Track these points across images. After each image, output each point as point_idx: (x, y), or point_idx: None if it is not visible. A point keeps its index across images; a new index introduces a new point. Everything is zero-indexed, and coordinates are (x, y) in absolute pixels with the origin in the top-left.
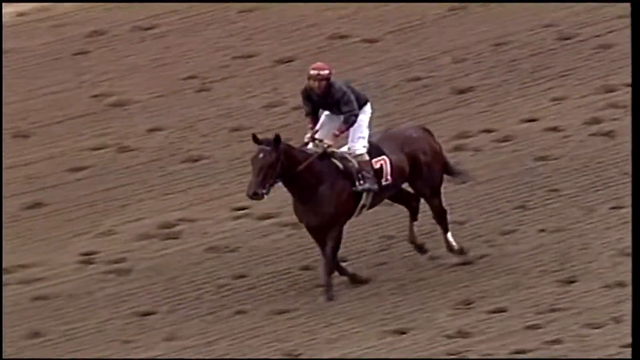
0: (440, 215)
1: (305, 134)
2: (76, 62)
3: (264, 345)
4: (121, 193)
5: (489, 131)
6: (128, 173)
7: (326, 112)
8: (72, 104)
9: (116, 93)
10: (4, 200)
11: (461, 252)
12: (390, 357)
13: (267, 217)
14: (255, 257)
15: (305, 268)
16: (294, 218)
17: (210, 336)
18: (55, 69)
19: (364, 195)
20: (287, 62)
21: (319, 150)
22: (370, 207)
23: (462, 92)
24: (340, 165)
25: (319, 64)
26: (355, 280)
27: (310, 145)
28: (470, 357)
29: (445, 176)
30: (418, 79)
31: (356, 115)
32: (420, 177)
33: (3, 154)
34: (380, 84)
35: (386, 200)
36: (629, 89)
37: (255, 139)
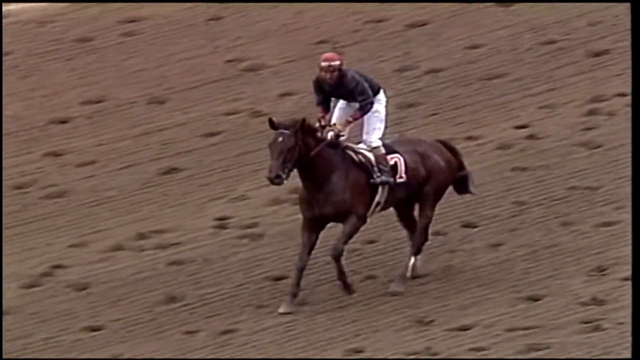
0: (422, 230)
1: (316, 122)
2: (210, 27)
3: (394, 312)
4: (254, 158)
5: (623, 95)
6: (260, 138)
7: (340, 104)
8: (206, 69)
9: (249, 58)
10: (141, 165)
11: (401, 280)
12: (525, 324)
13: None
14: (385, 223)
15: (437, 233)
16: None
17: (341, 302)
18: (189, 35)
19: (380, 190)
20: (420, 26)
21: (332, 134)
22: (383, 208)
23: (597, 55)
24: (355, 157)
25: (329, 54)
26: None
27: (324, 132)
28: (605, 325)
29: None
30: (553, 42)
31: (372, 103)
32: (428, 180)
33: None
34: (513, 47)
35: (519, 165)
36: None
37: (271, 124)
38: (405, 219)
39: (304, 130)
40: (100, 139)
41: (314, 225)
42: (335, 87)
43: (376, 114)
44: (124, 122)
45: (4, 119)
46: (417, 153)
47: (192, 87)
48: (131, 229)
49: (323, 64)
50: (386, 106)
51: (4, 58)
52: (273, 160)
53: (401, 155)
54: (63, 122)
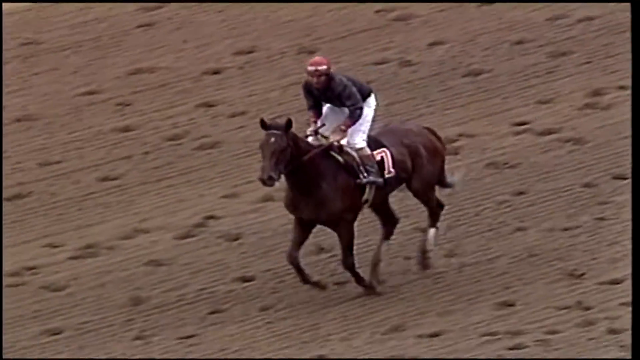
0: (433, 210)
1: (309, 127)
2: None
3: (544, 264)
4: (402, 108)
5: None
6: (409, 88)
7: (329, 105)
8: (355, 19)
9: (399, 7)
10: (291, 115)
11: (425, 258)
12: None
13: (549, 132)
14: (536, 174)
15: (587, 185)
16: (576, 133)
17: (490, 253)
18: None
19: (367, 189)
20: None
21: (325, 143)
22: (372, 204)
23: None
24: (341, 159)
25: (316, 58)
26: (319, 286)
27: (310, 139)
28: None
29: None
30: None
31: (361, 108)
32: (418, 171)
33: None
34: None
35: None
36: None
37: (263, 124)
38: (381, 215)
39: (294, 133)
40: (250, 90)
41: (304, 224)
42: (323, 91)
43: (363, 117)
44: (274, 73)
45: (159, 70)
46: (404, 145)
47: (341, 37)
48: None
49: (309, 68)
50: (375, 109)
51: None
52: (265, 161)
53: (387, 149)
54: (215, 72)
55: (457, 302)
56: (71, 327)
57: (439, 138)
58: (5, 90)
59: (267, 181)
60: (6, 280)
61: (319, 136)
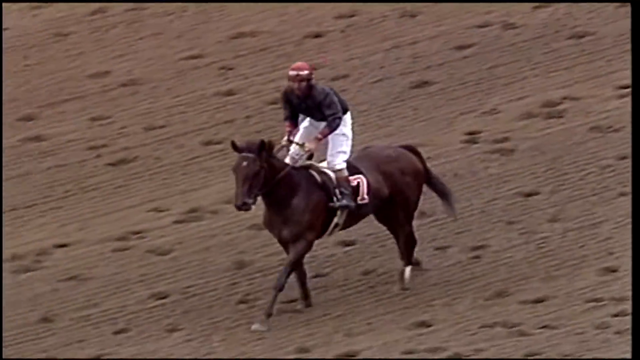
0: (408, 244)
1: (283, 137)
2: None
3: None
4: (505, 71)
5: None
6: (512, 50)
7: (307, 120)
8: None
9: None
10: (392, 79)
11: (404, 288)
12: None
13: None
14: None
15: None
16: None
17: (594, 218)
18: None
19: (339, 213)
20: None
21: (301, 152)
22: (343, 227)
23: None
24: (318, 178)
25: (298, 63)
26: (305, 299)
27: (292, 148)
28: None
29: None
30: None
31: (340, 118)
32: (395, 199)
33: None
34: None
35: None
36: None
37: (234, 147)
38: (386, 221)
39: (268, 153)
40: (352, 53)
41: (284, 244)
42: (303, 99)
43: (342, 137)
44: (376, 36)
45: (261, 34)
46: (381, 172)
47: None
48: (383, 143)
49: (291, 72)
50: (352, 129)
51: None
52: (238, 187)
53: (364, 175)
54: (317, 36)
55: (561, 268)
56: (176, 291)
57: (418, 154)
58: (110, 55)
59: (242, 207)
60: (113, 245)
61: (293, 145)
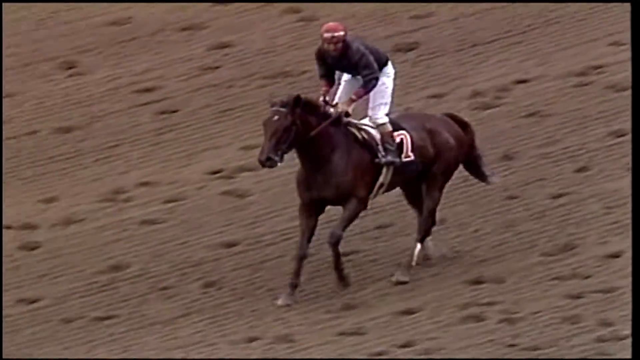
0: (429, 214)
1: (320, 97)
2: None
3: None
4: None
5: None
6: None
7: (345, 76)
8: None
9: None
10: None
11: (408, 267)
12: None
13: None
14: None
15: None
16: None
17: None
18: None
19: (384, 171)
20: None
21: (334, 114)
22: (388, 189)
23: None
24: (358, 134)
25: (331, 24)
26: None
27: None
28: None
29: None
30: None
31: (377, 79)
32: (437, 159)
33: None
34: None
35: None
36: None
37: (269, 101)
38: (413, 199)
39: (303, 108)
40: None
41: (311, 209)
42: (338, 59)
43: (383, 88)
44: None
45: None
46: (425, 130)
47: None
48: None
49: (326, 35)
50: (394, 79)
51: None
52: (266, 140)
53: (408, 132)
54: None
55: None
56: None
57: (464, 125)
58: None
59: (266, 162)
60: (573, 80)
61: (327, 106)
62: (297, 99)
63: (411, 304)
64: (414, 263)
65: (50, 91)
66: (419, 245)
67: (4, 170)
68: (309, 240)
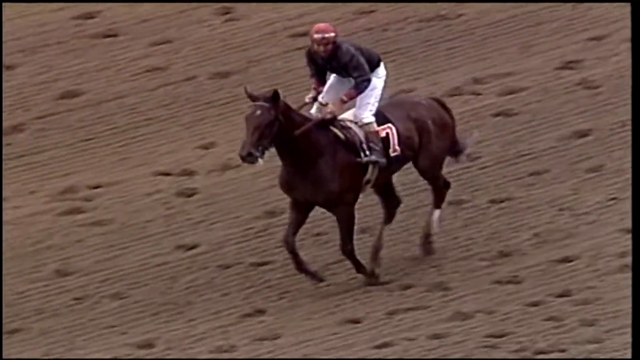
0: (438, 190)
1: (308, 94)
2: None
3: None
4: None
5: None
6: None
7: (333, 75)
8: None
9: None
10: None
11: (428, 242)
12: None
13: None
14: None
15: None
16: None
17: None
18: None
19: (370, 169)
20: None
21: (320, 114)
22: (375, 183)
23: None
24: (340, 134)
25: (321, 25)
26: (315, 277)
27: (313, 109)
28: None
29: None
30: None
31: (369, 80)
32: (425, 147)
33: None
34: None
35: None
36: None
37: (249, 96)
38: (382, 196)
39: (286, 104)
40: None
41: (300, 206)
42: (328, 60)
43: (371, 89)
44: None
45: None
46: (411, 119)
47: None
48: None
49: (315, 36)
50: (385, 80)
51: None
52: (247, 136)
53: (393, 124)
54: None
55: None
56: None
57: (447, 110)
58: None
59: (247, 157)
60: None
61: (317, 104)
62: (276, 93)
63: (567, 252)
64: (435, 229)
65: (207, 36)
66: (437, 211)
67: (162, 117)
68: (294, 233)
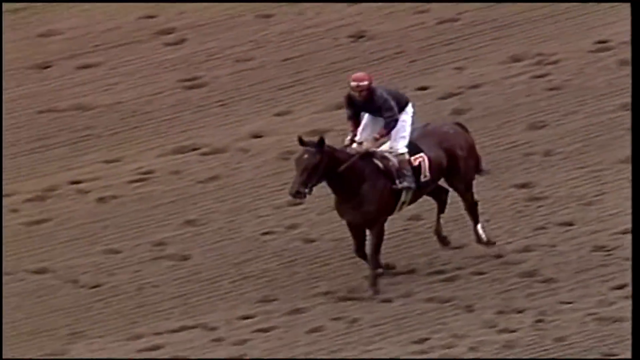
0: (472, 208)
1: (346, 136)
2: None
3: None
4: None
5: None
6: None
7: (367, 115)
8: None
9: None
10: None
11: (489, 243)
12: None
13: None
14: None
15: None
16: None
17: None
18: None
19: (404, 192)
20: None
21: (360, 151)
22: (411, 202)
23: None
24: (380, 164)
25: (358, 75)
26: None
27: (353, 146)
28: None
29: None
30: None
31: (396, 120)
32: (457, 172)
33: None
34: None
35: None
36: None
37: (300, 141)
38: (430, 193)
39: (330, 147)
40: None
41: (352, 226)
42: (364, 103)
43: (403, 124)
44: None
45: None
46: (442, 149)
47: None
48: None
49: (352, 84)
50: (413, 117)
51: None
52: (297, 176)
53: (426, 153)
54: None
55: None
56: None
57: (466, 130)
58: None
59: (295, 195)
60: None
61: (355, 144)
62: (321, 139)
63: None
64: (484, 239)
65: None
66: (479, 226)
67: None
68: (360, 247)
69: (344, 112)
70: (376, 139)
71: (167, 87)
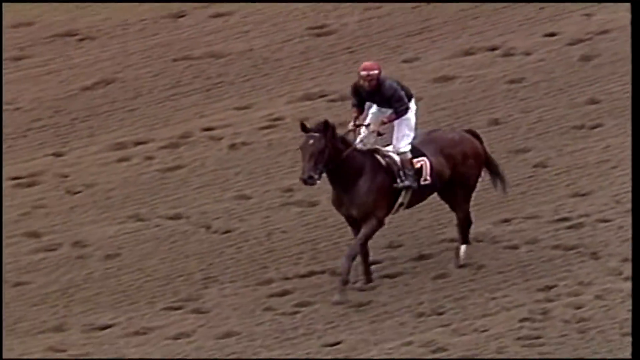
0: (464, 223)
1: (350, 122)
2: None
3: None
4: None
5: None
6: None
7: (374, 106)
8: None
9: None
10: None
11: (460, 266)
12: None
13: None
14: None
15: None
16: None
17: None
18: None
19: (403, 193)
20: None
21: (364, 136)
22: (408, 206)
23: None
24: (382, 161)
25: (367, 64)
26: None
27: (361, 131)
28: None
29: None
30: None
31: (407, 109)
32: (457, 179)
33: None
34: None
35: None
36: None
37: (303, 127)
38: (447, 199)
39: (332, 134)
40: None
41: (352, 222)
42: (372, 93)
43: (406, 122)
44: None
45: None
46: (444, 155)
47: None
48: None
49: (362, 73)
50: (416, 114)
51: None
52: (305, 162)
53: (428, 157)
54: None
55: None
56: None
57: (478, 138)
58: None
59: (308, 180)
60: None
61: (360, 128)
62: (327, 123)
63: None
64: (461, 262)
65: None
66: (463, 247)
67: None
68: (362, 247)
69: (472, 59)
70: (384, 123)
71: (296, 35)
